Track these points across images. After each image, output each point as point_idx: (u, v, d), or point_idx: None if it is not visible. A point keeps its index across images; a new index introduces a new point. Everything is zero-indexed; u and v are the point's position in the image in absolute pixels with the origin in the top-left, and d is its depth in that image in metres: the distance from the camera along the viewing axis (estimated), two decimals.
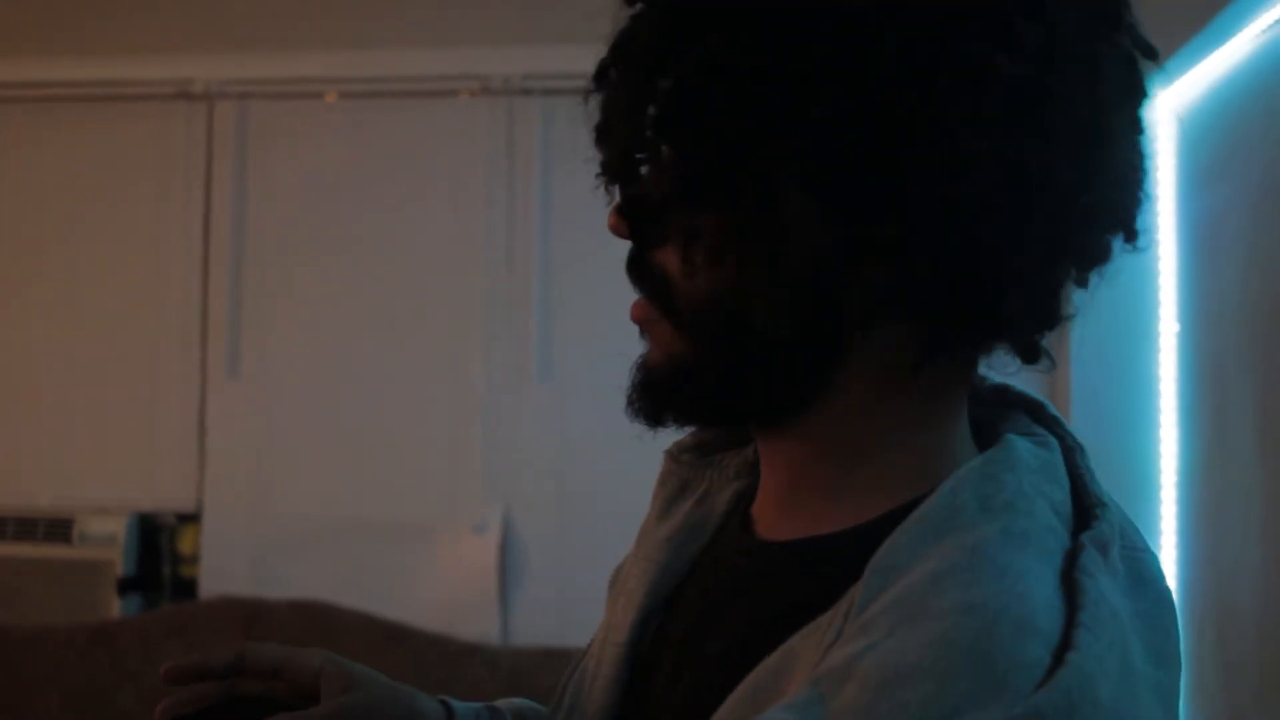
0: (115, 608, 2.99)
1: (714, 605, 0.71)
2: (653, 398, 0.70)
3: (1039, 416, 0.72)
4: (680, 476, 0.81)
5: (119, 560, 3.00)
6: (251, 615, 2.88)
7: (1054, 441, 0.68)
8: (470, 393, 2.94)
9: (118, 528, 3.01)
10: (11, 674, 2.90)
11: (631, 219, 0.69)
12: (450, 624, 2.84)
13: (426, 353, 2.97)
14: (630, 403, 0.70)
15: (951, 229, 0.60)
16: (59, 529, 3.03)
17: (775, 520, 0.71)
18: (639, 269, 0.70)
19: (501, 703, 0.93)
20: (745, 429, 0.76)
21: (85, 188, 3.14)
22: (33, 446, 3.14)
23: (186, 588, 3.04)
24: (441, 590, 2.90)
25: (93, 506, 3.05)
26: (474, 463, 2.92)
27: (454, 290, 2.97)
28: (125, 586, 3.00)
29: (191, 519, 3.04)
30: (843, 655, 0.55)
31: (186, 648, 2.88)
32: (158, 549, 3.05)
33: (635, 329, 0.72)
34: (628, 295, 0.71)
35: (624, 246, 0.70)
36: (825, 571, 0.64)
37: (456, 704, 0.86)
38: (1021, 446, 0.65)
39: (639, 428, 0.71)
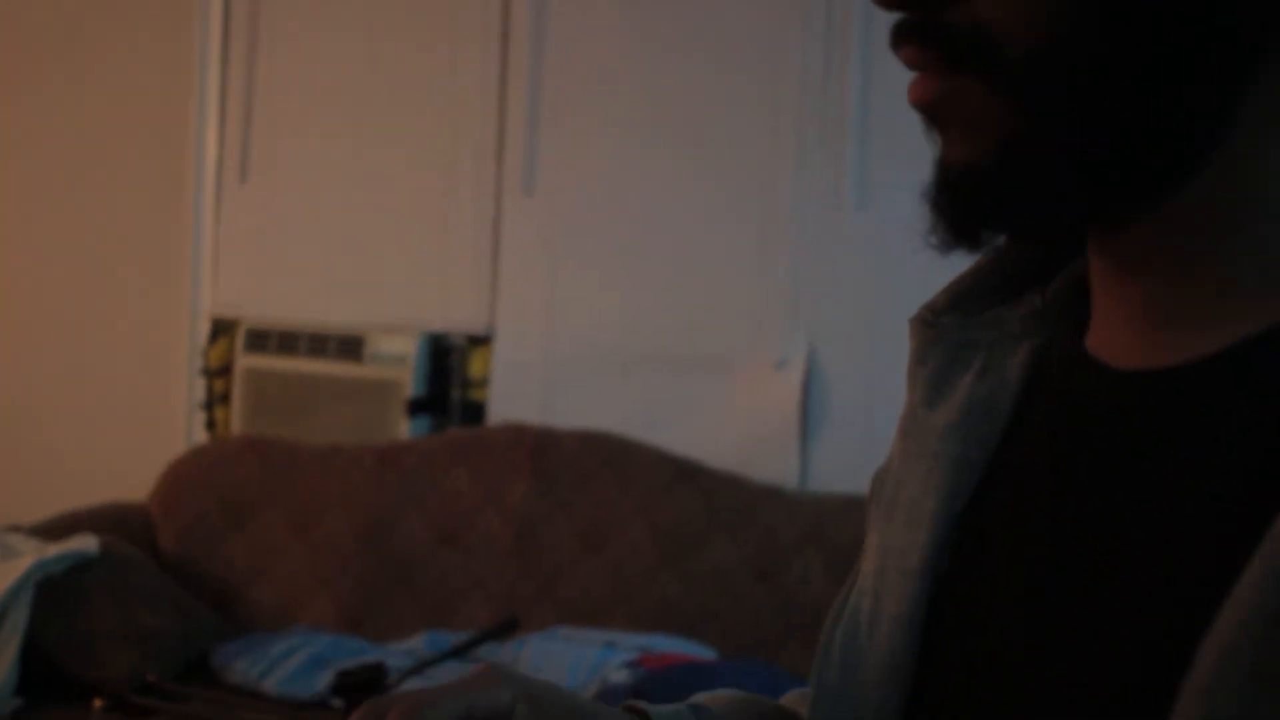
0: (404, 428, 2.96)
1: (1080, 483, 0.51)
2: (975, 204, 0.50)
3: None
4: (944, 347, 0.61)
5: (409, 380, 2.95)
6: (539, 444, 2.78)
7: None
8: (778, 219, 2.72)
9: (408, 347, 2.95)
10: (302, 490, 2.90)
11: None
12: (745, 464, 2.66)
13: (732, 176, 2.76)
14: (939, 215, 0.51)
15: None
16: (350, 346, 3.00)
17: (1140, 344, 0.51)
18: (929, 27, 0.48)
19: (705, 696, 0.73)
20: (1076, 235, 0.56)
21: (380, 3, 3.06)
22: (325, 264, 3.11)
23: (475, 411, 2.97)
24: (738, 428, 2.72)
25: (384, 326, 3.01)
26: (778, 294, 2.71)
27: (764, 109, 2.74)
28: (415, 407, 2.96)
29: (482, 341, 2.96)
30: None
31: (472, 474, 2.82)
32: (448, 371, 2.99)
33: None
34: None
35: None
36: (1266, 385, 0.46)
37: (654, 710, 0.68)
38: None
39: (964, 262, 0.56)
